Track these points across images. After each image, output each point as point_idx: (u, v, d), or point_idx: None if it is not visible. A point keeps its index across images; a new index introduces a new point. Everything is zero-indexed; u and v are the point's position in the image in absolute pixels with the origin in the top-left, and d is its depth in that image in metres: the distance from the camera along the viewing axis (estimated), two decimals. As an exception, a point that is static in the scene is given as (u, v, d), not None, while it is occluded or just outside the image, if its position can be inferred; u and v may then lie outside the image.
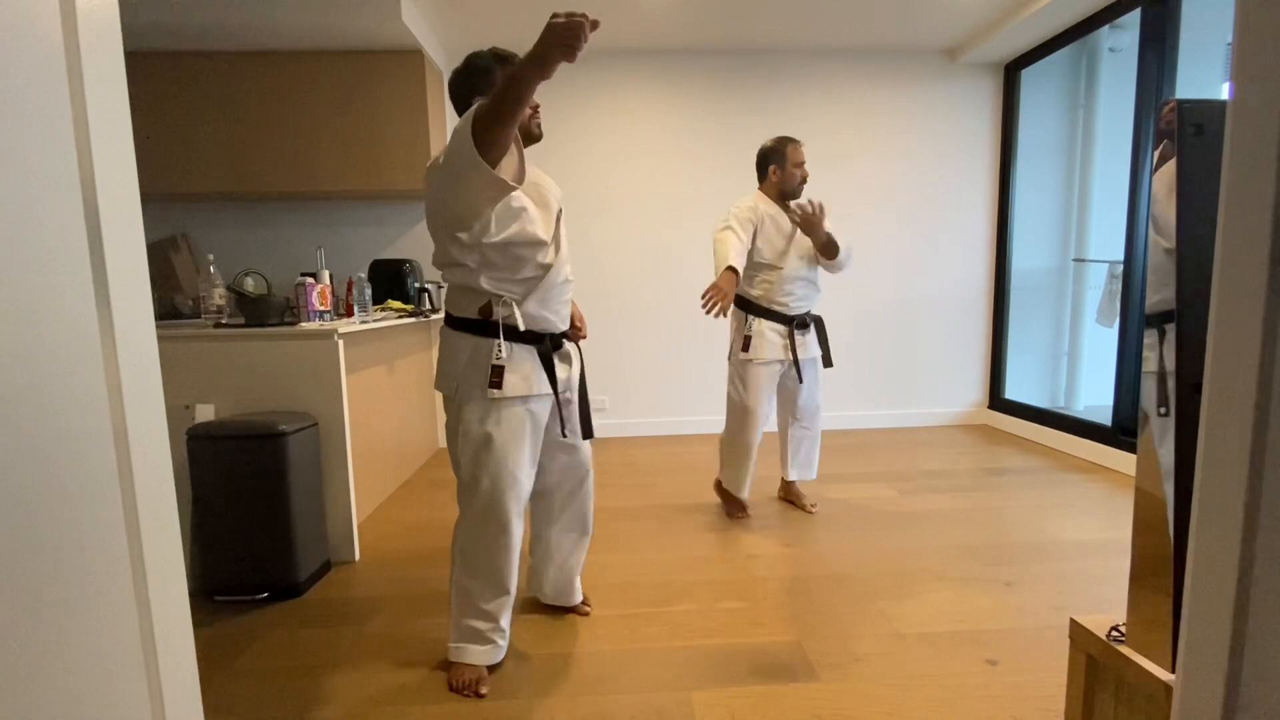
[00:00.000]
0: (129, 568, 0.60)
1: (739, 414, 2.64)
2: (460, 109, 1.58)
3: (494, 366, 1.57)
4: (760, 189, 2.65)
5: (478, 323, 1.60)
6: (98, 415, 0.57)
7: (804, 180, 2.61)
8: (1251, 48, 0.49)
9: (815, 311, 2.70)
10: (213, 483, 2.03)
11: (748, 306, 2.61)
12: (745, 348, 2.59)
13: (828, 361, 2.73)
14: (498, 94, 1.32)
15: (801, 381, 2.67)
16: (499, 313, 1.59)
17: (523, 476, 1.65)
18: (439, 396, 4.06)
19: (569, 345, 1.76)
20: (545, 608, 1.99)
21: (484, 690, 1.61)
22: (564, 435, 1.76)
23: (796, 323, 2.61)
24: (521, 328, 1.60)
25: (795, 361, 2.62)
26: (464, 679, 1.61)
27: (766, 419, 2.67)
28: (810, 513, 2.80)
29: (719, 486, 2.82)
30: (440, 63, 3.81)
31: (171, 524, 0.66)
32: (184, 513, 2.05)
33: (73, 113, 0.55)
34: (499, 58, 1.58)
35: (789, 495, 2.92)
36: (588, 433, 1.80)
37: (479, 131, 1.35)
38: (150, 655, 0.62)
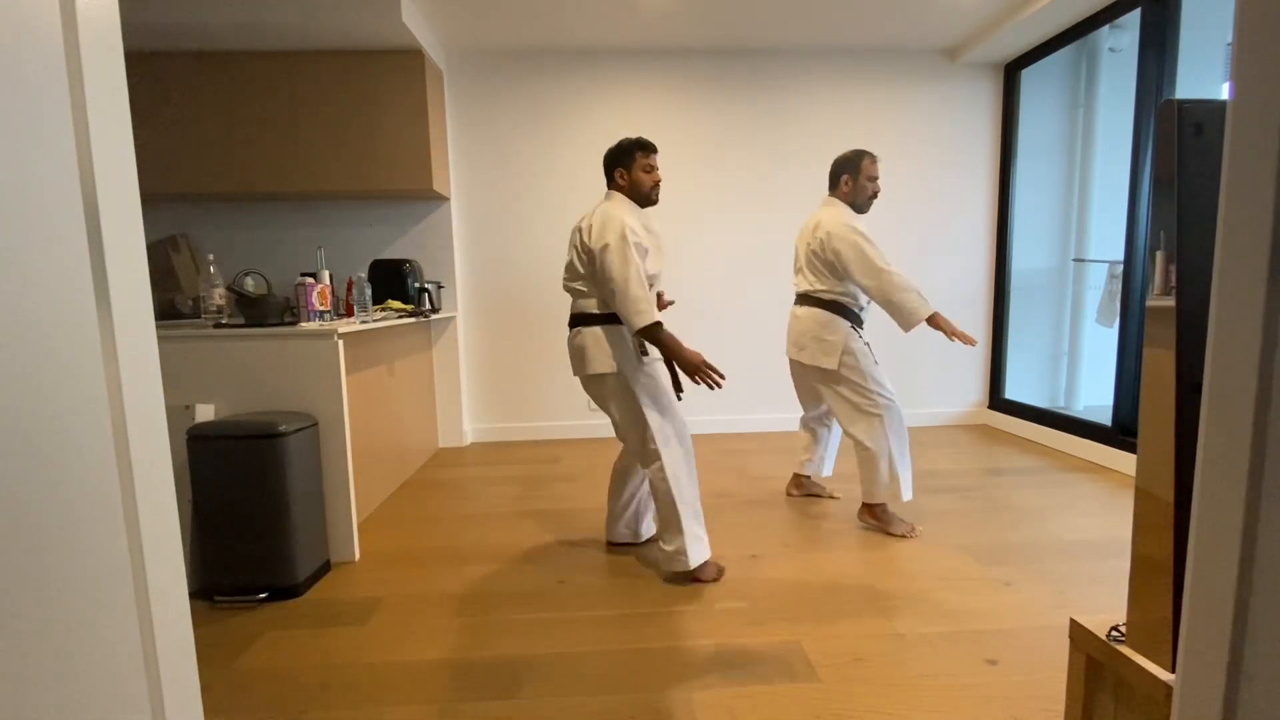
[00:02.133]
0: (129, 568, 0.60)
1: (896, 413, 2.50)
2: (608, 171, 2.21)
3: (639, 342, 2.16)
4: (832, 195, 2.58)
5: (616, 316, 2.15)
6: (98, 415, 0.57)
7: (875, 195, 2.54)
8: (1251, 48, 0.49)
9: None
10: (213, 483, 2.03)
11: (848, 314, 2.60)
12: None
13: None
14: (661, 341, 2.03)
15: None
16: None
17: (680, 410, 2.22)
18: (438, 396, 4.07)
19: None
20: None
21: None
22: (679, 397, 2.27)
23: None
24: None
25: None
26: (712, 572, 2.16)
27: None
28: (837, 499, 2.92)
29: (878, 510, 2.55)
30: (440, 63, 3.81)
31: (171, 524, 0.66)
32: (184, 513, 2.05)
33: (73, 113, 0.55)
34: (640, 145, 2.18)
35: (810, 490, 2.98)
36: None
37: (641, 333, 2.05)
38: (150, 655, 0.62)
